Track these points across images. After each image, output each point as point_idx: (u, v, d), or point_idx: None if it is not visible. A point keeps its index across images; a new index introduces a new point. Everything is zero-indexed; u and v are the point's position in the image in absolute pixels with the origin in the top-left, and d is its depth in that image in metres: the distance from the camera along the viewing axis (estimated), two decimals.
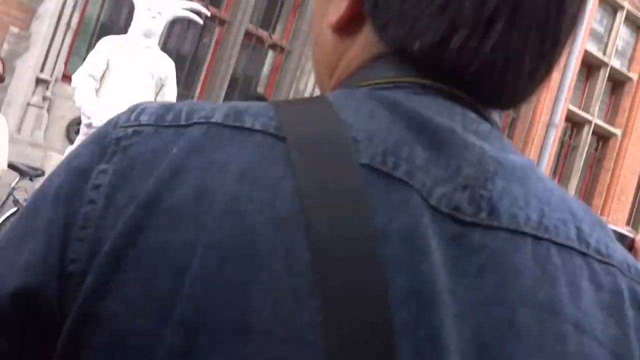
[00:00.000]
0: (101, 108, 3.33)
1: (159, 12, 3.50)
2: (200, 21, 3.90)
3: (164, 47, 3.63)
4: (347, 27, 0.44)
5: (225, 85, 6.23)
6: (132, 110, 0.40)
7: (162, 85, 3.62)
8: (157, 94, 3.60)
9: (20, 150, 4.89)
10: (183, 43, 6.13)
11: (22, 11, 4.91)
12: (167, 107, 0.40)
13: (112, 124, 0.39)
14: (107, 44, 3.49)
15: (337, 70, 0.47)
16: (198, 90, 6.33)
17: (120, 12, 5.81)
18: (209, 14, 4.08)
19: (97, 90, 3.46)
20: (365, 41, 0.44)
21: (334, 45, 0.46)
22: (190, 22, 5.81)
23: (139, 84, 3.43)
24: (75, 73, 3.48)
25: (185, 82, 5.93)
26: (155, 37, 3.60)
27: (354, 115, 0.38)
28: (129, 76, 3.40)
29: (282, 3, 6.60)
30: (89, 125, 3.35)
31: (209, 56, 6.32)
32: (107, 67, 3.44)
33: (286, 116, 0.38)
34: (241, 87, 6.54)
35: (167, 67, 3.62)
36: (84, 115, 3.39)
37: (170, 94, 3.64)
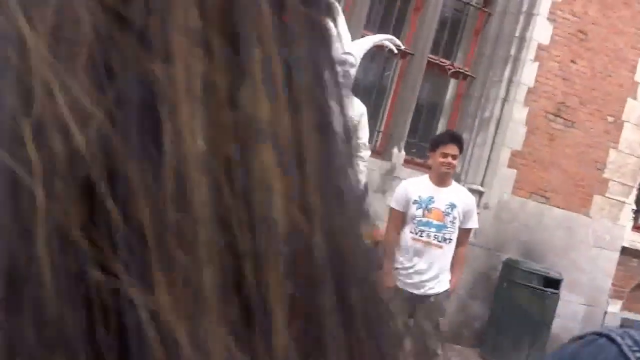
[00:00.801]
0: None
1: (349, 68, 3.74)
2: (395, 49, 4.09)
3: None
4: None
5: (410, 116, 6.42)
6: None
7: (356, 129, 3.87)
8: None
9: None
10: (368, 75, 6.47)
11: None
12: None
13: None
14: None
15: None
16: (385, 120, 6.60)
17: None
18: (402, 46, 4.26)
19: None
20: None
21: None
22: (374, 55, 6.18)
23: None
24: None
25: (372, 113, 6.26)
26: (347, 87, 3.87)
27: None
28: None
29: (462, 30, 6.69)
30: None
31: (393, 87, 6.58)
32: None
33: None
34: (426, 115, 6.69)
35: (359, 111, 3.84)
36: None
37: (364, 136, 3.90)
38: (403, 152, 6.42)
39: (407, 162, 6.43)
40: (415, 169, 6.14)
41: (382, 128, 6.57)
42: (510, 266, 6.29)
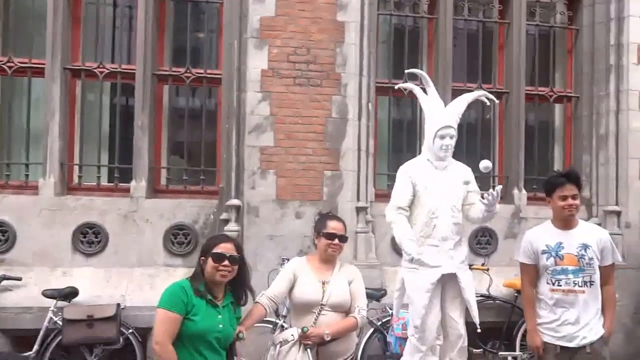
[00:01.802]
0: (416, 244, 3.83)
1: (450, 141, 3.91)
2: (488, 102, 4.23)
3: None
4: None
5: (522, 153, 6.57)
6: None
7: (467, 192, 4.01)
8: (463, 199, 4.01)
9: (362, 275, 5.81)
10: (466, 118, 6.61)
11: (330, 155, 5.98)
12: None
13: None
14: (408, 171, 4.03)
15: None
16: (497, 163, 6.75)
17: (405, 124, 6.65)
18: (496, 101, 4.38)
19: (410, 216, 3.99)
20: None
21: None
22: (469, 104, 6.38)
23: (445, 202, 3.89)
24: (387, 208, 4.03)
25: (482, 156, 6.44)
26: (449, 157, 4.02)
27: None
28: (435, 198, 3.87)
29: (553, 53, 6.77)
30: (411, 260, 3.83)
31: (497, 129, 6.78)
32: (414, 192, 3.96)
33: None
34: (539, 147, 6.76)
35: (466, 175, 4.03)
36: (405, 252, 3.86)
37: (473, 194, 4.03)
38: (524, 191, 6.51)
39: (530, 200, 6.50)
40: (540, 204, 6.18)
41: (497, 172, 6.69)
42: None
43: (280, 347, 3.51)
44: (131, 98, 6.11)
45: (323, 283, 3.67)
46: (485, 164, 3.86)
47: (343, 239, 3.75)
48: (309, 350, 3.52)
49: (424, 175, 3.95)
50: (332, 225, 3.73)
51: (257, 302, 3.54)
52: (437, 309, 3.94)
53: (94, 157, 6.15)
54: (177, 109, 6.46)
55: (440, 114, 4.02)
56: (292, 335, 3.52)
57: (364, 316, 3.81)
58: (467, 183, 4.02)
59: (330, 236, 3.70)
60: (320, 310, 3.61)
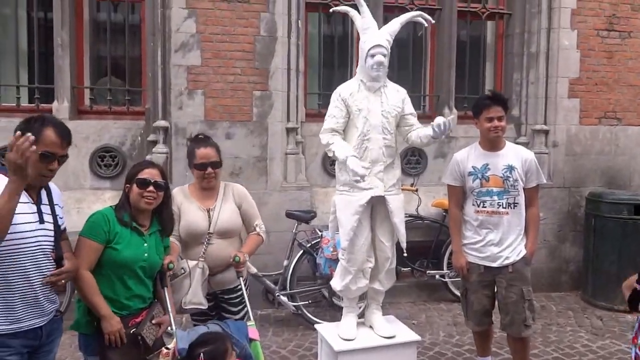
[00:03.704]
0: (359, 162, 3.86)
1: (383, 57, 4.02)
2: (425, 23, 4.33)
3: None
4: None
5: (453, 71, 7.06)
6: None
7: (403, 116, 4.15)
8: (398, 121, 4.16)
9: (292, 196, 6.31)
10: (398, 35, 6.97)
11: (259, 75, 6.31)
12: None
13: None
14: (341, 93, 4.11)
15: None
16: (428, 82, 7.23)
17: (337, 40, 6.97)
18: (433, 21, 4.48)
19: (343, 139, 4.09)
20: None
21: None
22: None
23: (377, 124, 4.03)
24: (321, 132, 4.15)
25: (414, 78, 6.90)
26: (384, 77, 4.14)
27: None
28: (369, 120, 4.01)
29: None
30: (362, 179, 3.82)
31: (429, 46, 7.23)
32: (347, 115, 4.07)
33: None
34: (470, 66, 7.24)
35: (401, 97, 4.17)
36: (351, 171, 3.80)
37: (411, 116, 4.18)
38: (455, 110, 7.00)
39: (461, 119, 7.02)
40: (470, 123, 6.62)
41: (427, 91, 7.15)
42: (594, 201, 6.71)
43: (171, 280, 3.61)
44: (49, 12, 6.26)
45: (208, 210, 3.81)
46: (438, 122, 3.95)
47: (216, 165, 3.82)
48: (206, 278, 3.71)
49: (356, 97, 4.09)
50: (201, 155, 3.80)
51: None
52: (367, 231, 4.12)
53: (12, 77, 6.34)
54: (99, 24, 6.64)
55: (372, 33, 4.14)
56: (183, 269, 3.67)
57: (265, 231, 4.02)
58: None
59: (202, 166, 3.79)
60: (208, 239, 3.77)
